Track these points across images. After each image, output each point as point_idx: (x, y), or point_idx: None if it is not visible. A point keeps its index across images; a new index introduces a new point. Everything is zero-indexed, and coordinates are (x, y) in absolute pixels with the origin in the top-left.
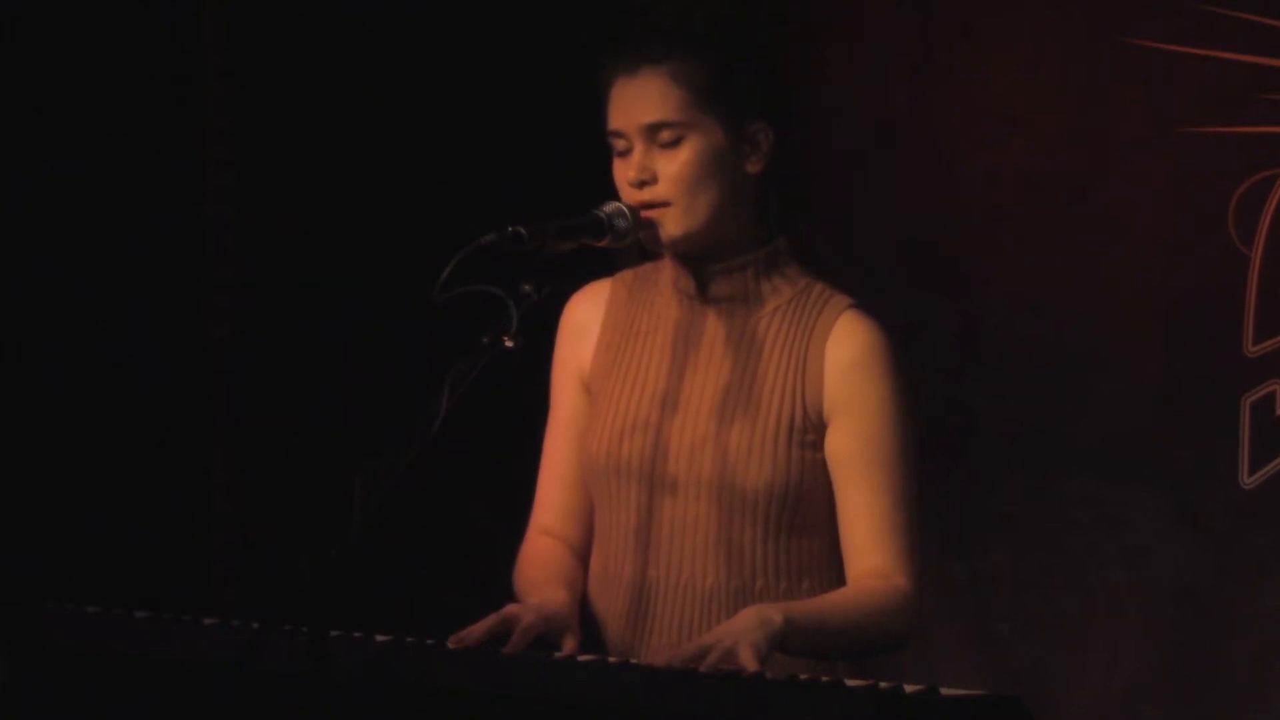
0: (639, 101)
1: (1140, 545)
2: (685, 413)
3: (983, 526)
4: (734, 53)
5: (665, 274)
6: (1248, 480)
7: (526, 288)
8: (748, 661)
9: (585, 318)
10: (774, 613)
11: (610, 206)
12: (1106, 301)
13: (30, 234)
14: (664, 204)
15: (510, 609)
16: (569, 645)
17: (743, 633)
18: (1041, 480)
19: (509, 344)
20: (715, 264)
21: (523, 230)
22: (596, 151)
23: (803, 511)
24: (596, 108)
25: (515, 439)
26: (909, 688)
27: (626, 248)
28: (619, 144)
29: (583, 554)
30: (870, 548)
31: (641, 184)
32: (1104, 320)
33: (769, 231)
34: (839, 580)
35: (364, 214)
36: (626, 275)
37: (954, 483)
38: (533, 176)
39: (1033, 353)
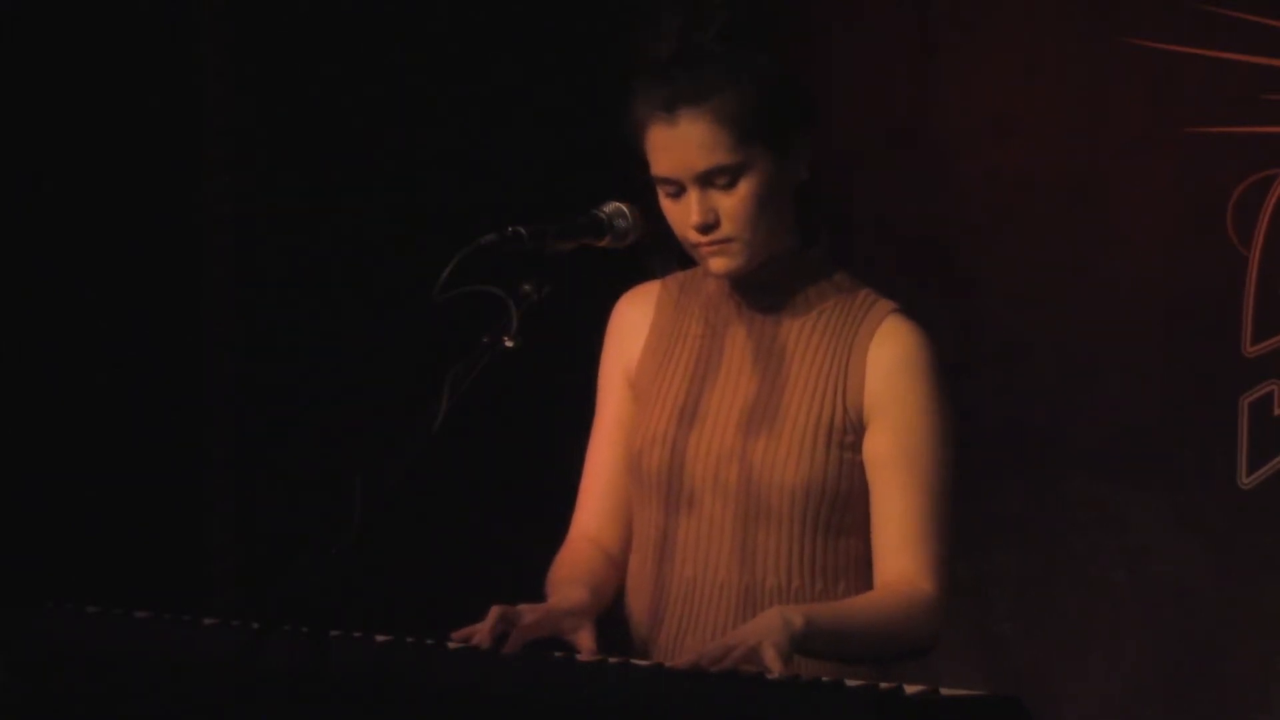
0: (686, 148)
1: (1140, 545)
2: (707, 426)
3: (984, 527)
4: (763, 72)
5: (708, 281)
6: (1246, 480)
7: (526, 288)
8: (772, 662)
9: (635, 319)
10: (795, 614)
11: (610, 206)
12: (1106, 301)
13: (30, 234)
14: (727, 240)
15: (517, 606)
16: (584, 641)
17: (765, 633)
18: (1041, 481)
19: (509, 344)
20: (761, 271)
21: (523, 230)
22: (596, 151)
23: (839, 512)
24: (603, 113)
25: (516, 439)
26: (909, 688)
27: (626, 247)
28: (669, 189)
29: (619, 559)
30: (900, 551)
31: (706, 227)
32: (1103, 320)
33: (810, 233)
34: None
35: (364, 214)
36: (674, 280)
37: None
38: (534, 176)
39: (1033, 353)
